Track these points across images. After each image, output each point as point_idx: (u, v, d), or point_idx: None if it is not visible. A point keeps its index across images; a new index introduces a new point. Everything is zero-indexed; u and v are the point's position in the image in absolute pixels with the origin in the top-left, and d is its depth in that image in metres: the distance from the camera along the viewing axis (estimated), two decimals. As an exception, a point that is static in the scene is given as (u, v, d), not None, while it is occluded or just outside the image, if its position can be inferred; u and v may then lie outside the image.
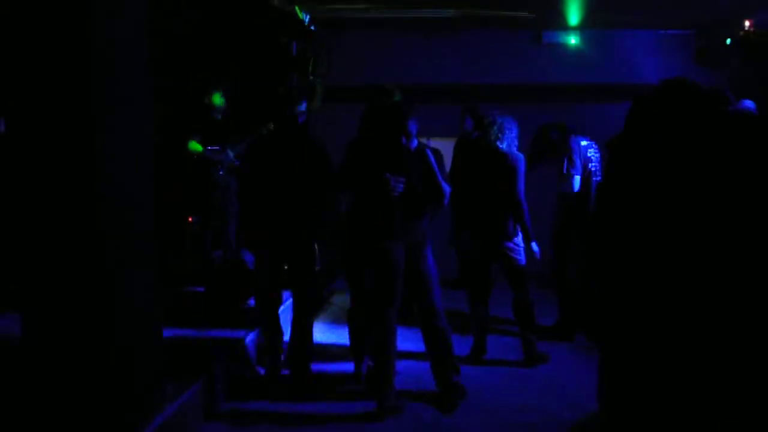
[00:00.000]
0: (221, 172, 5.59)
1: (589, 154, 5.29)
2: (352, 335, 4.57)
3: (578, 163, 5.19)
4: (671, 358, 2.17)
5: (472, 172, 4.90)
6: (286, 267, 4.45)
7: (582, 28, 7.68)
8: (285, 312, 5.20)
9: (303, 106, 4.33)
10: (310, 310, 4.53)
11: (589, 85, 7.70)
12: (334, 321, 5.91)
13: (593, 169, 5.30)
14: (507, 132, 4.78)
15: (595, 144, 5.34)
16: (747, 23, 6.99)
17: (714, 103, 2.42)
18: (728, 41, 7.29)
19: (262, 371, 4.59)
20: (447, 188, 4.09)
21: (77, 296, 2.98)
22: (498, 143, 4.75)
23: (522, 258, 4.87)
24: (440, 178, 4.05)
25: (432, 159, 4.05)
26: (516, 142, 4.84)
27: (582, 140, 5.29)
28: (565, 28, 7.68)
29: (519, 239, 4.86)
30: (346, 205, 4.42)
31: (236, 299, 5.21)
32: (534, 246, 4.87)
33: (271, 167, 4.24)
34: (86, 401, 3.02)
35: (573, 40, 7.82)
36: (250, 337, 4.69)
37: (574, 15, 7.13)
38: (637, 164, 2.28)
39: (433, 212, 4.22)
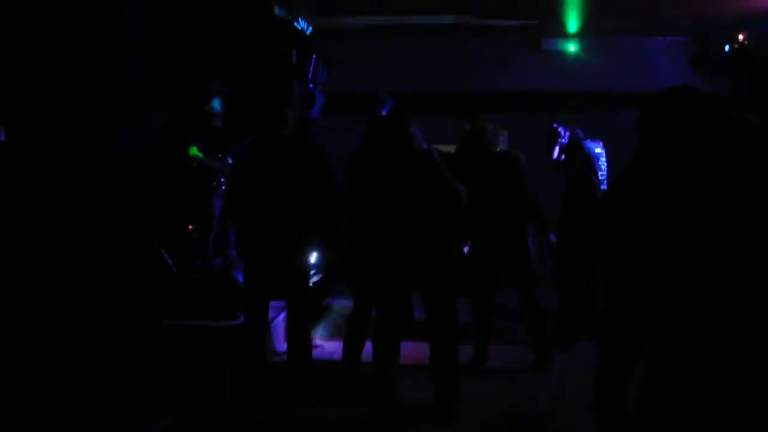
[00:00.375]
0: (222, 180, 5.58)
1: (599, 163, 5.34)
2: (347, 343, 4.50)
3: (574, 168, 5.26)
4: (680, 358, 2.16)
5: (473, 178, 4.87)
6: (277, 275, 4.23)
7: (581, 35, 7.70)
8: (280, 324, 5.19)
9: (298, 112, 4.31)
10: (306, 316, 4.39)
11: (589, 92, 7.70)
12: (335, 328, 5.89)
13: (601, 177, 5.33)
14: (500, 138, 4.82)
15: (605, 152, 5.39)
16: (741, 36, 7.02)
17: (722, 108, 2.43)
18: (726, 48, 7.32)
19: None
20: (461, 188, 4.01)
21: (77, 298, 2.97)
22: (492, 148, 4.78)
23: (533, 263, 4.88)
24: (449, 178, 3.99)
25: (438, 159, 4.01)
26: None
27: (596, 147, 5.34)
28: (565, 35, 7.70)
29: (530, 244, 4.88)
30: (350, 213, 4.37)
31: (229, 315, 5.21)
32: (551, 236, 4.92)
33: (265, 172, 4.10)
34: (83, 404, 3.00)
35: (572, 47, 7.84)
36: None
37: (573, 22, 7.15)
38: (651, 168, 2.27)
39: (453, 218, 4.11)
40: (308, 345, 4.36)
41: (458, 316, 4.10)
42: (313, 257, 6.38)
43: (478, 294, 4.96)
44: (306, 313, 4.39)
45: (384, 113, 4.81)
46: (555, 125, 5.43)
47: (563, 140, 5.38)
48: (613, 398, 2.45)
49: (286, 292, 4.29)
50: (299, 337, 4.30)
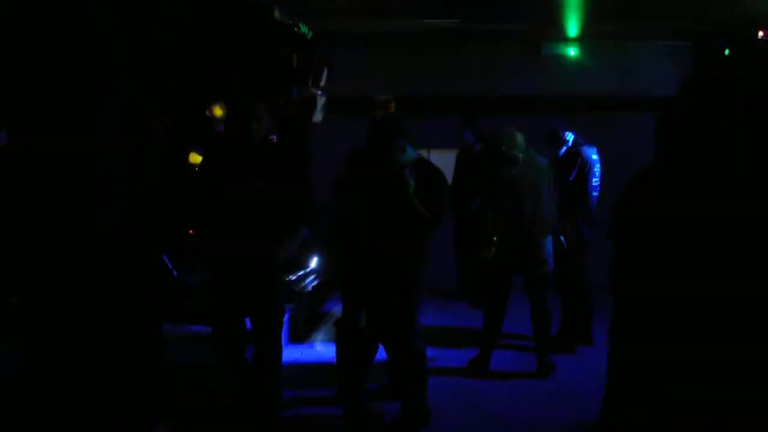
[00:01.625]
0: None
1: (595, 169, 5.35)
2: (339, 346, 4.42)
3: (574, 173, 5.28)
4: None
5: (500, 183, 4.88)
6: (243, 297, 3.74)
7: (581, 39, 7.70)
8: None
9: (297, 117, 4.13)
10: (277, 350, 3.79)
11: (589, 96, 7.71)
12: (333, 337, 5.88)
13: (595, 183, 5.33)
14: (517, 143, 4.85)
15: (600, 158, 5.40)
16: (761, 33, 6.91)
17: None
18: (726, 52, 7.31)
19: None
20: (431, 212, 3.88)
21: (77, 302, 2.98)
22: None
23: (549, 264, 4.90)
24: (416, 202, 3.84)
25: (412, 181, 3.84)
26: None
27: (592, 153, 5.35)
28: (565, 39, 7.71)
29: (550, 249, 4.90)
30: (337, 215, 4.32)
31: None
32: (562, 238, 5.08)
33: (234, 178, 3.61)
34: (83, 406, 3.00)
35: (572, 51, 7.85)
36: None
37: (573, 26, 7.16)
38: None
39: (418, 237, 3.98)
40: (276, 376, 3.76)
41: (414, 334, 3.99)
42: (314, 262, 6.40)
43: (496, 298, 4.96)
44: (278, 345, 3.81)
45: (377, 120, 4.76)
46: (559, 130, 5.44)
47: (568, 143, 5.41)
48: (620, 400, 2.45)
49: (253, 310, 3.73)
50: (266, 378, 3.70)
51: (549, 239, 4.91)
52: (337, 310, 6.49)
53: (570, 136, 5.43)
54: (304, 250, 6.13)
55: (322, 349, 5.58)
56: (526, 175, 4.77)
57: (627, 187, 2.32)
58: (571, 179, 5.32)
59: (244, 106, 3.65)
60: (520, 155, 4.74)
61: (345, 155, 4.16)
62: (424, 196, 3.84)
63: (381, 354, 4.19)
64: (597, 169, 5.36)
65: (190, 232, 5.85)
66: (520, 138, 4.76)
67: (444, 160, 5.40)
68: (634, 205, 2.26)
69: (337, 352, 4.44)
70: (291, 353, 5.39)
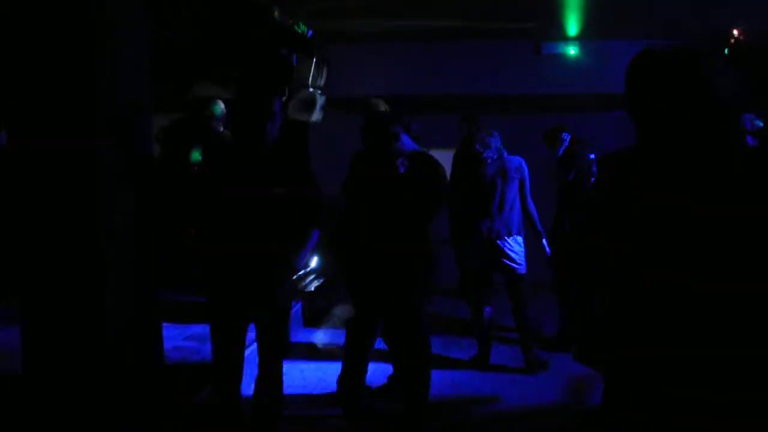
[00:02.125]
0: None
1: (594, 168, 5.36)
2: (347, 347, 4.39)
3: (573, 173, 5.29)
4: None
5: (469, 181, 4.92)
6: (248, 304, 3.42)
7: (581, 38, 7.71)
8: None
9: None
10: (280, 354, 3.54)
11: (589, 95, 7.71)
12: (335, 332, 5.90)
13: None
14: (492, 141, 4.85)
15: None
16: (736, 32, 6.96)
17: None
18: (726, 51, 7.31)
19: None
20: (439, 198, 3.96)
21: (76, 300, 2.98)
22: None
23: (521, 267, 4.89)
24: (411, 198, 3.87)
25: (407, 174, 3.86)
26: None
27: (591, 154, 5.37)
28: (565, 38, 7.71)
29: (520, 249, 4.90)
30: (340, 215, 4.32)
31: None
32: (545, 243, 5.01)
33: (242, 181, 3.30)
34: (80, 409, 3.01)
35: (572, 50, 7.85)
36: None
37: (573, 26, 7.16)
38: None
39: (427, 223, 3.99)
40: (280, 390, 3.50)
41: (425, 333, 3.95)
42: (314, 262, 6.40)
43: (477, 294, 4.96)
44: (281, 346, 3.56)
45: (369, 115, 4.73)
46: (557, 130, 5.47)
47: (566, 143, 5.43)
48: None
49: (257, 318, 3.44)
50: (268, 394, 3.45)
51: (519, 239, 4.92)
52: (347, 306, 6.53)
53: (568, 136, 5.45)
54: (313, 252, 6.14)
55: (326, 335, 5.69)
56: (491, 176, 4.82)
57: (613, 174, 2.25)
58: (570, 179, 5.34)
59: (259, 104, 3.33)
60: (489, 156, 4.77)
61: (351, 157, 4.17)
62: (417, 187, 3.84)
63: (380, 345, 4.20)
64: (595, 168, 5.38)
65: (191, 231, 5.85)
66: (492, 139, 4.79)
67: (444, 160, 5.41)
68: (625, 201, 2.24)
69: (346, 351, 4.39)
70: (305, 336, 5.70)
